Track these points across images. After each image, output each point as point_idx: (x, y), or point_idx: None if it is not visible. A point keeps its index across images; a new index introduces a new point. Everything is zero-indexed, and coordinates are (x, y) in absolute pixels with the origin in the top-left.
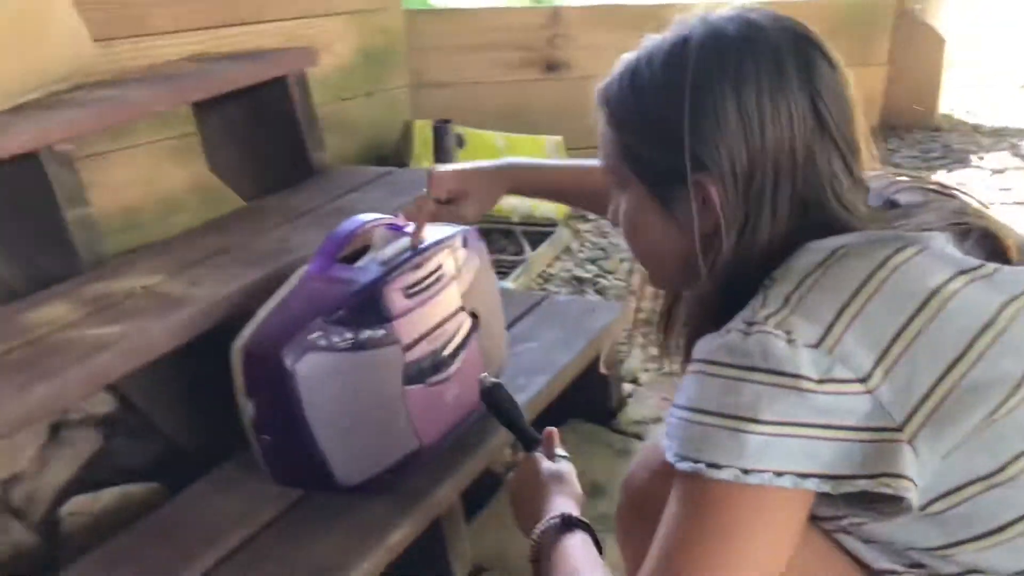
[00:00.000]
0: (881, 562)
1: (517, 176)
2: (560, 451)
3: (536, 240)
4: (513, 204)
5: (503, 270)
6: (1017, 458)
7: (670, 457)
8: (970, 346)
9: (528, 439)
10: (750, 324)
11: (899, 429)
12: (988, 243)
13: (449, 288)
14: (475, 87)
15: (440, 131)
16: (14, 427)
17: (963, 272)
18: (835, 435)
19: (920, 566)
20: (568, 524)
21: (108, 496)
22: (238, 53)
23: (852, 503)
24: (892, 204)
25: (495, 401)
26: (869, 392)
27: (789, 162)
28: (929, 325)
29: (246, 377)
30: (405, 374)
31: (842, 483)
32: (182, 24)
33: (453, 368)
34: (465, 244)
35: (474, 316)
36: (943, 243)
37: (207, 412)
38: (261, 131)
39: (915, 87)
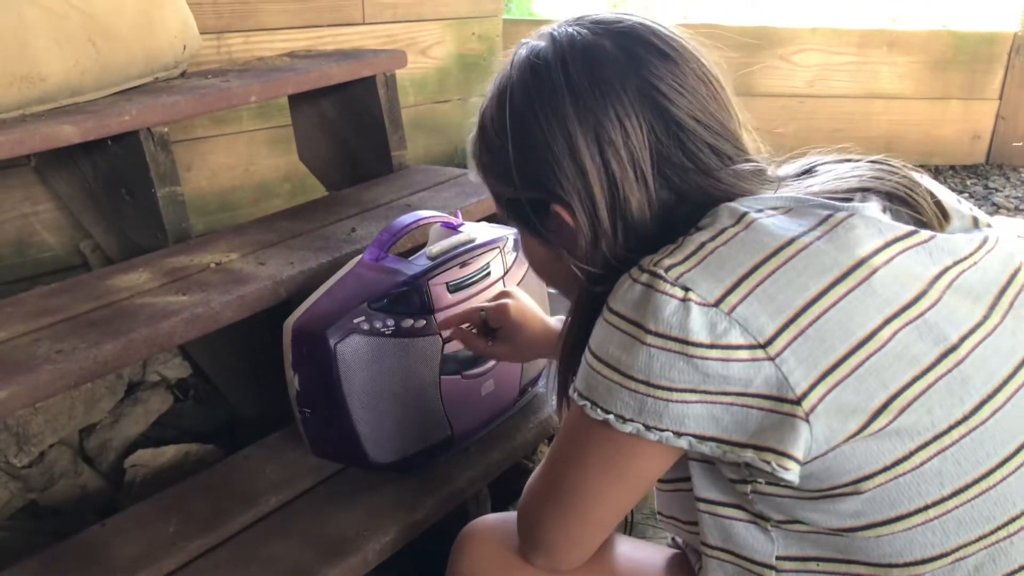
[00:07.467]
0: (706, 492)
1: None
2: None
3: None
4: None
5: None
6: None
7: (576, 394)
8: (887, 323)
9: None
10: (653, 275)
11: (796, 402)
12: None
13: (495, 287)
14: None
15: None
16: (82, 379)
17: (897, 240)
18: (733, 400)
19: (739, 507)
20: None
21: (169, 452)
22: (336, 51)
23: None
24: (809, 172)
25: None
26: (770, 359)
27: (631, 166)
28: (848, 296)
29: (293, 353)
30: (442, 364)
31: (733, 450)
32: (291, 22)
33: (491, 363)
34: (516, 247)
35: None
36: (875, 210)
37: (268, 385)
38: (348, 127)
39: None
